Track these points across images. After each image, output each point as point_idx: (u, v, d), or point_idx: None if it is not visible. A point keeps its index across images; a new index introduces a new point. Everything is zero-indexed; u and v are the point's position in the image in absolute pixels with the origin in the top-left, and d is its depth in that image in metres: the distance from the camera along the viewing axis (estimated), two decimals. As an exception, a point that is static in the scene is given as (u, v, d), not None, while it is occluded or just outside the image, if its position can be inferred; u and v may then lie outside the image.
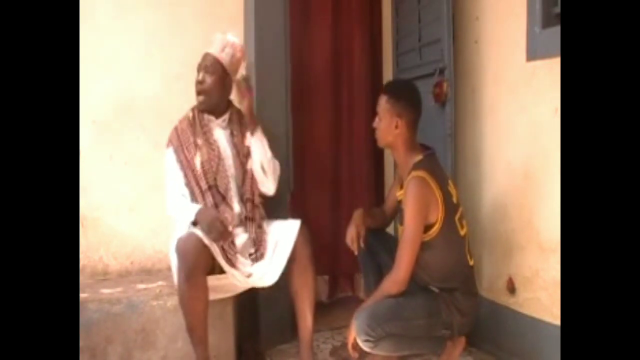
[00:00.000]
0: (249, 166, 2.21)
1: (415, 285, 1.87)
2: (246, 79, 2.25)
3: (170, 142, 2.19)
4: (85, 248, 2.50)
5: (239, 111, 2.27)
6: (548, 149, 1.97)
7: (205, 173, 2.12)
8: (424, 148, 1.96)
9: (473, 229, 2.16)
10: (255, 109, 2.40)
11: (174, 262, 2.02)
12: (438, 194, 1.82)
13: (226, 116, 2.23)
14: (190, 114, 2.22)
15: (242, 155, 2.21)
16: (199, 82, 2.17)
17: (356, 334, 1.79)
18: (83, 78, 2.31)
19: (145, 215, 2.57)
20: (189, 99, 2.62)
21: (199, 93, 2.18)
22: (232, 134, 2.23)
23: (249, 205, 2.18)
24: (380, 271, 2.13)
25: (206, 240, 1.93)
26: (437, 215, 1.82)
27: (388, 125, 1.92)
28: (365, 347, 1.80)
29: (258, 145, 2.21)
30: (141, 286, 2.25)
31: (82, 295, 2.09)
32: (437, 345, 1.91)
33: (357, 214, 2.07)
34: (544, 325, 1.99)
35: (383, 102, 1.94)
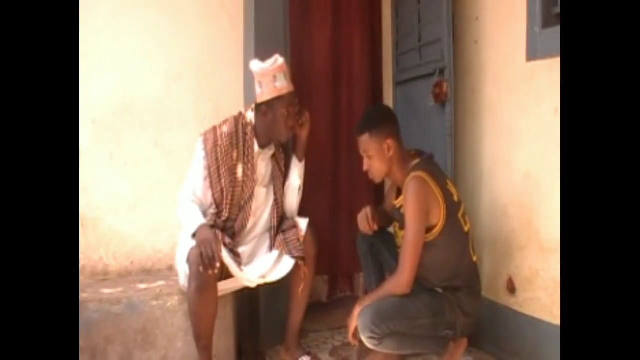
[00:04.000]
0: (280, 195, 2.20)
1: (420, 286, 1.87)
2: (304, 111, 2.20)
3: (206, 140, 2.07)
4: (85, 248, 2.50)
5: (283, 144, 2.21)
6: (548, 149, 1.97)
7: (231, 207, 2.06)
8: (420, 153, 1.96)
9: (473, 229, 2.16)
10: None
11: (181, 268, 2.02)
12: (438, 193, 1.82)
13: (272, 144, 2.16)
14: (234, 125, 2.09)
15: (281, 184, 2.19)
16: (292, 127, 2.11)
17: (360, 331, 1.80)
18: (83, 78, 2.31)
19: (145, 215, 2.57)
20: (189, 99, 2.63)
21: (289, 133, 2.12)
22: (274, 164, 2.17)
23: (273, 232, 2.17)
24: (382, 270, 2.14)
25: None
26: (438, 214, 1.81)
27: (381, 156, 1.91)
28: (369, 344, 1.80)
29: (302, 172, 2.23)
30: (141, 286, 2.25)
31: (82, 295, 2.09)
32: (439, 345, 1.91)
33: (368, 207, 2.10)
34: (544, 325, 1.99)
35: (366, 140, 1.91)
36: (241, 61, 2.59)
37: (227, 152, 2.06)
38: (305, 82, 2.89)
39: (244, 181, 2.08)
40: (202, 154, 2.07)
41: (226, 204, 2.06)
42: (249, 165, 2.08)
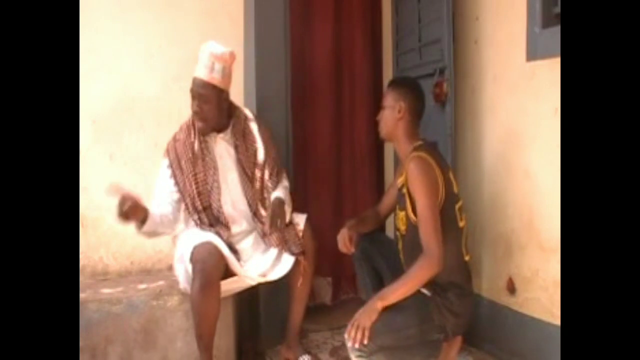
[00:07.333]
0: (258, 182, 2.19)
1: None
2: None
3: (167, 153, 2.14)
4: (85, 248, 2.50)
5: (243, 121, 2.20)
6: (548, 149, 1.97)
7: (199, 194, 2.09)
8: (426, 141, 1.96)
9: (473, 229, 2.15)
10: (256, 109, 2.40)
11: (180, 271, 2.04)
12: (439, 176, 1.80)
13: (229, 130, 2.16)
14: (191, 124, 2.14)
15: (250, 170, 2.16)
16: (195, 112, 2.08)
17: (348, 349, 1.73)
18: (83, 78, 2.31)
19: (145, 215, 2.56)
20: (189, 99, 2.62)
21: (197, 119, 2.09)
22: (236, 149, 2.16)
23: (258, 217, 2.16)
24: (377, 274, 2.11)
25: (223, 249, 1.94)
26: (438, 197, 1.79)
27: (391, 112, 1.92)
28: None
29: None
30: (141, 286, 2.25)
31: (82, 295, 2.09)
32: (432, 349, 1.88)
33: (347, 224, 2.08)
34: (544, 325, 1.99)
35: (387, 92, 1.97)
36: (241, 61, 2.58)
37: (184, 146, 2.10)
38: (306, 81, 2.90)
39: (205, 164, 2.10)
40: (165, 162, 2.12)
41: (193, 190, 2.08)
42: (205, 151, 2.11)
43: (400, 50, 2.86)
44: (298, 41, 2.78)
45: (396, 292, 1.72)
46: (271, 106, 2.44)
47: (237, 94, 2.58)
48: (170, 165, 2.10)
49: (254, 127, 2.21)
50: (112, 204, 2.51)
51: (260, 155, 2.19)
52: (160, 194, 2.09)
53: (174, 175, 2.10)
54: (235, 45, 2.61)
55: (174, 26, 2.59)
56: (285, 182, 2.27)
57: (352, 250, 2.04)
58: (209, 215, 2.10)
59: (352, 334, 1.68)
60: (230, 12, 2.64)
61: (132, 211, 1.87)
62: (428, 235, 1.74)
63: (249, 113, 2.25)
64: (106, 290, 2.21)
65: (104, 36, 2.51)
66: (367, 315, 1.69)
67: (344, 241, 2.03)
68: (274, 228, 2.04)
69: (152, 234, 2.03)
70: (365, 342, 1.67)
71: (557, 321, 1.92)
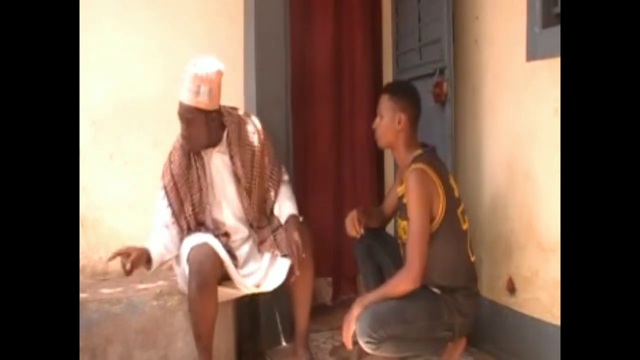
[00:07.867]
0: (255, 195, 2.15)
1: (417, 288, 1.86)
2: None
3: (163, 177, 2.10)
4: (85, 248, 2.50)
5: (237, 126, 2.12)
6: (548, 149, 1.97)
7: (195, 215, 2.08)
8: (424, 146, 1.96)
9: (473, 229, 2.15)
10: (256, 109, 2.40)
11: (179, 272, 2.04)
12: (439, 185, 1.82)
13: (223, 141, 2.10)
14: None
15: (247, 180, 2.12)
16: (183, 136, 2.04)
17: (358, 336, 1.79)
18: (83, 78, 2.30)
19: (145, 215, 2.56)
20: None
21: (186, 142, 2.05)
22: (231, 159, 2.10)
23: (254, 228, 2.15)
24: (380, 271, 2.13)
25: (220, 252, 1.94)
26: (438, 207, 1.81)
27: (390, 122, 1.92)
28: (367, 348, 1.79)
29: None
30: (141, 286, 2.25)
31: (82, 295, 2.09)
32: (438, 346, 1.91)
33: (356, 209, 2.09)
34: (544, 325, 1.99)
35: (385, 100, 1.95)
36: (241, 61, 2.59)
37: (180, 167, 2.07)
38: (306, 81, 2.89)
39: (200, 184, 2.07)
40: (161, 188, 2.09)
41: (189, 211, 2.07)
42: (200, 170, 2.08)
43: (400, 50, 2.86)
44: (298, 41, 2.78)
45: (374, 298, 1.82)
46: (271, 106, 2.44)
47: (237, 94, 2.59)
48: (165, 188, 2.08)
49: (249, 128, 2.16)
50: (112, 204, 2.54)
51: (258, 155, 2.14)
52: (163, 217, 2.08)
53: (168, 198, 2.07)
54: (235, 45, 2.62)
55: (174, 26, 2.60)
56: (285, 176, 2.26)
57: (361, 232, 2.04)
58: (207, 228, 2.10)
59: (345, 337, 1.83)
60: (230, 12, 2.64)
61: (135, 265, 1.90)
62: (413, 250, 1.79)
63: (242, 114, 2.20)
64: (106, 290, 2.21)
65: (104, 36, 2.51)
66: (349, 322, 1.82)
67: (353, 223, 2.04)
68: (300, 254, 2.01)
69: (162, 264, 2.04)
70: (350, 347, 1.84)
71: (557, 321, 1.92)
